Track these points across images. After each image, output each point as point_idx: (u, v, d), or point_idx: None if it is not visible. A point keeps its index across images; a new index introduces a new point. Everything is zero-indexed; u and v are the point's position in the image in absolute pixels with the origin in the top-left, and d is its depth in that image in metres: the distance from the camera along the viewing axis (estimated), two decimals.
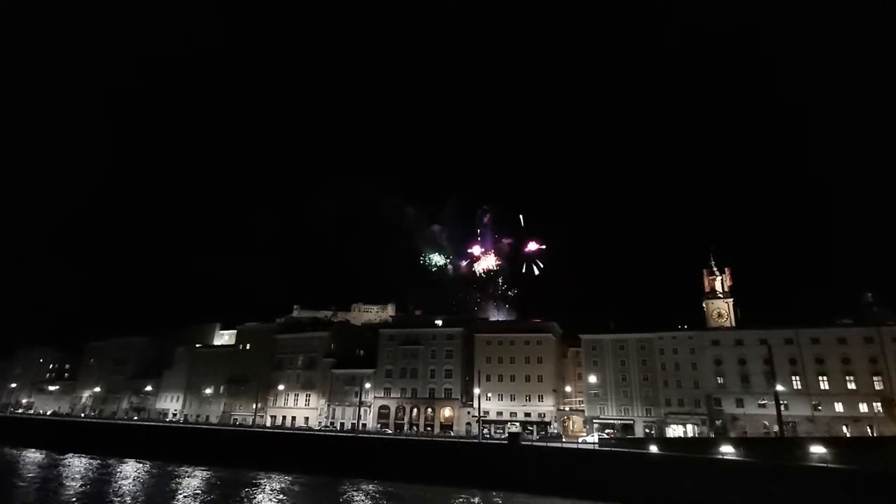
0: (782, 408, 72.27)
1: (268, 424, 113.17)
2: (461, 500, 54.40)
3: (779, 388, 72.99)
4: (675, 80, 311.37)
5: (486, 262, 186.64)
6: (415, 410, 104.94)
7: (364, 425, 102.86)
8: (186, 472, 69.22)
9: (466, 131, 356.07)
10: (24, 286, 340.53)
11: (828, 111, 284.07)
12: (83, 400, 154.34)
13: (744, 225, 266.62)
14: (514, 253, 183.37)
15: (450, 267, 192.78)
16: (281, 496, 55.59)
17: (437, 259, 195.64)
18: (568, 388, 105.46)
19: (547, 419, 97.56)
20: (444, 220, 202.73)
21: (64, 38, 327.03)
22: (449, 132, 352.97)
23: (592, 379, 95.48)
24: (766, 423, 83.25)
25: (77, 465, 74.43)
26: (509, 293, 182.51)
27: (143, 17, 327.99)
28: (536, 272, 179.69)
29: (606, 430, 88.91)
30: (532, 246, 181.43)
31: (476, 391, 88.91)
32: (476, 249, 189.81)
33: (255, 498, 53.91)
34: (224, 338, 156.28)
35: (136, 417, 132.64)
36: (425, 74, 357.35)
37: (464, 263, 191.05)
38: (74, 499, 52.06)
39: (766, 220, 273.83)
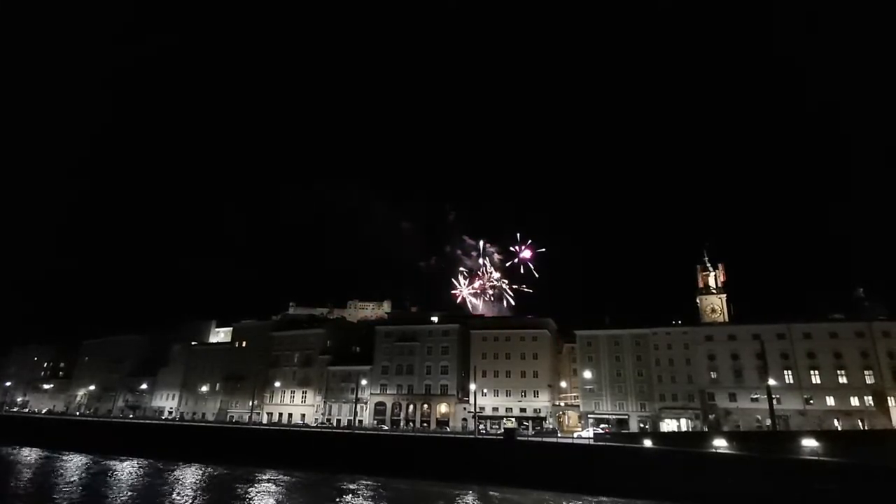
0: (775, 402, 72.95)
1: (264, 421, 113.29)
2: (458, 495, 54.91)
3: (771, 382, 73.83)
4: (668, 73, 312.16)
5: (465, 261, 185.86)
6: (411, 407, 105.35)
7: (361, 422, 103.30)
8: (183, 469, 69.43)
9: (451, 125, 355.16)
10: (18, 285, 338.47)
11: (826, 104, 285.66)
12: (78, 398, 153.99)
13: (737, 221, 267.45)
14: (485, 251, 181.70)
15: (422, 264, 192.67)
16: (278, 493, 55.89)
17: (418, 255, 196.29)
18: (563, 384, 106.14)
19: (542, 414, 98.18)
20: (420, 218, 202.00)
21: (47, 35, 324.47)
22: (433, 127, 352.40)
23: (587, 374, 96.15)
24: (759, 417, 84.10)
25: (73, 464, 74.46)
26: (502, 289, 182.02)
27: (126, 22, 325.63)
28: (528, 270, 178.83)
29: (601, 425, 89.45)
30: (522, 243, 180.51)
31: (472, 387, 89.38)
32: (449, 248, 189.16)
33: (252, 495, 54.20)
34: (220, 335, 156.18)
35: (131, 415, 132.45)
36: (420, 74, 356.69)
37: (434, 260, 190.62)
38: (71, 497, 52.15)
39: (759, 216, 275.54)
